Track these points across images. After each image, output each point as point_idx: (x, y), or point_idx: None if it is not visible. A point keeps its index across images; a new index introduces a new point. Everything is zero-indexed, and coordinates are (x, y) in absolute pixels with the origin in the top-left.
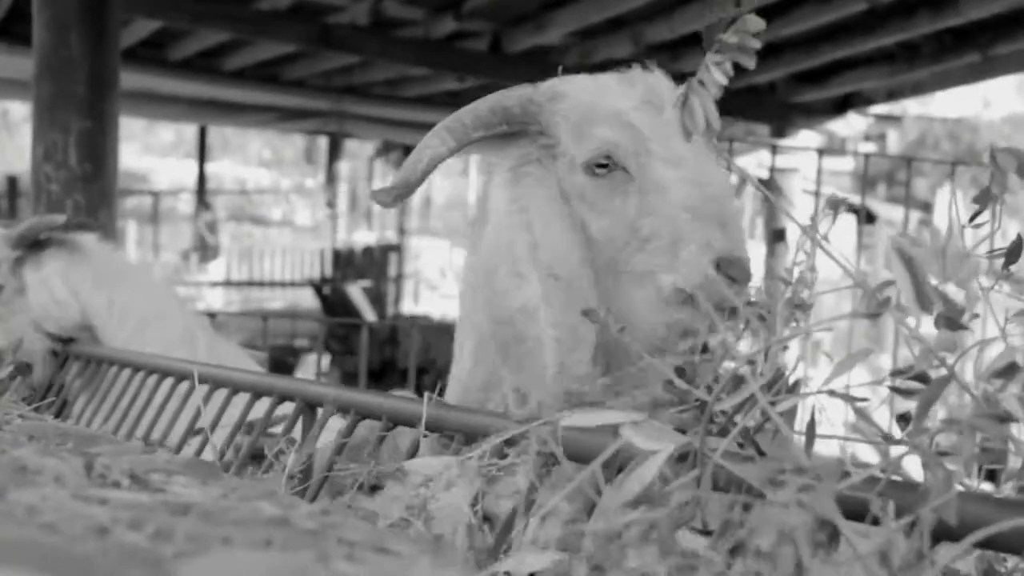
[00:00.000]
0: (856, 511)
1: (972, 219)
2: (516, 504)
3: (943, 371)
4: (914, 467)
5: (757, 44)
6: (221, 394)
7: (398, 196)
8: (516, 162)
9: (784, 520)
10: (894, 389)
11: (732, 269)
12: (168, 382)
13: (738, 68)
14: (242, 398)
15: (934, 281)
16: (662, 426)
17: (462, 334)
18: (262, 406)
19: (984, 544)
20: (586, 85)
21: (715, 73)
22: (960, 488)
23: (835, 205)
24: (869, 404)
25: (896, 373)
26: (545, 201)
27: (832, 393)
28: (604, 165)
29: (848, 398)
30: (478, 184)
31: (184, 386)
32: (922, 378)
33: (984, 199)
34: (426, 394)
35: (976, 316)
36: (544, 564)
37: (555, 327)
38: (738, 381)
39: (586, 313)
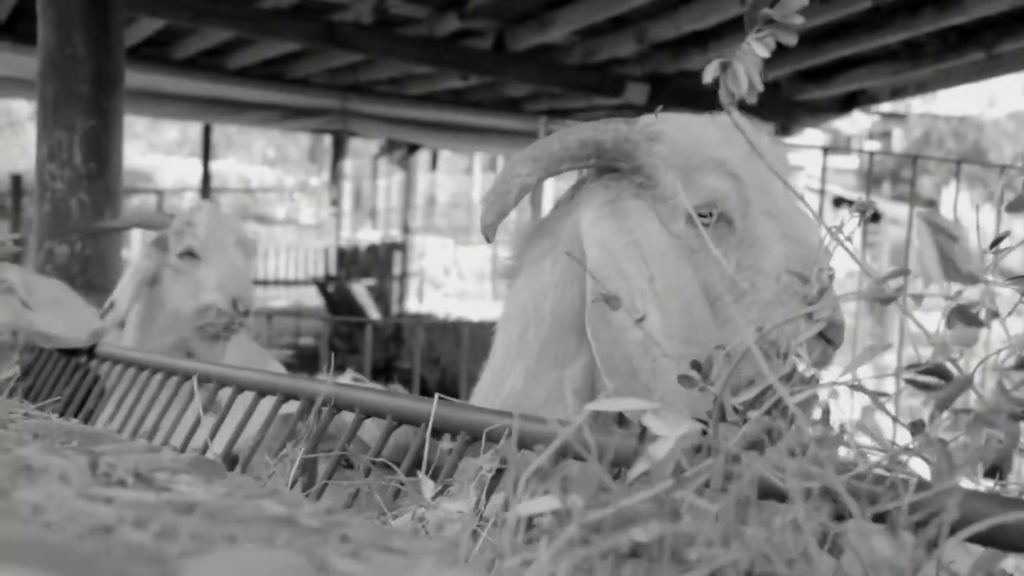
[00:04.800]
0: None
1: (998, 241)
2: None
3: (957, 365)
4: (921, 467)
5: (800, 20)
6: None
7: (495, 228)
8: (614, 195)
9: (795, 511)
10: (910, 382)
11: (830, 332)
12: (173, 381)
13: None
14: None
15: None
16: (681, 414)
17: (507, 358)
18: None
19: (986, 541)
20: (684, 126)
21: (756, 47)
22: (967, 485)
23: (863, 209)
24: (885, 399)
25: (912, 366)
26: (657, 234)
27: (852, 386)
28: (708, 214)
29: (868, 392)
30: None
31: (189, 385)
32: (937, 372)
33: (1019, 206)
34: (436, 395)
35: (996, 315)
36: (549, 507)
37: (678, 360)
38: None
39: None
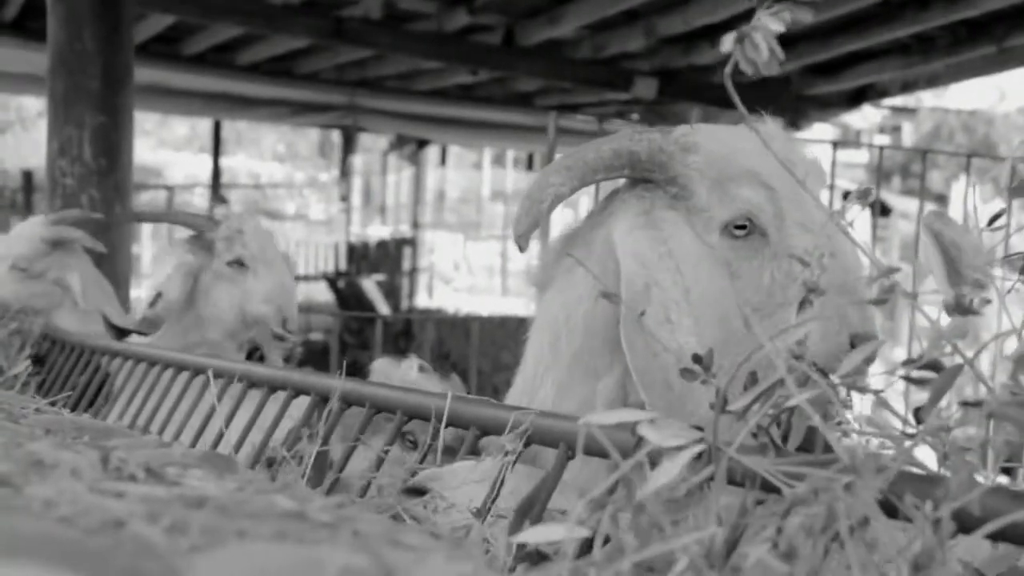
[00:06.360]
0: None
1: (995, 218)
2: (535, 487)
3: (957, 360)
4: (927, 458)
5: None
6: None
7: (528, 237)
8: (648, 205)
9: (817, 513)
10: (907, 379)
11: (863, 344)
12: (183, 376)
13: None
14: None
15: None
16: (678, 424)
17: (538, 367)
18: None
19: (1000, 536)
20: (718, 137)
21: (769, 22)
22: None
23: (862, 196)
24: (885, 395)
25: (908, 362)
26: (691, 245)
27: (850, 384)
28: (743, 227)
29: (866, 390)
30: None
31: (199, 381)
32: (934, 366)
33: (1020, 192)
34: (449, 392)
35: (988, 302)
36: (564, 536)
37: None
38: (755, 377)
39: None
